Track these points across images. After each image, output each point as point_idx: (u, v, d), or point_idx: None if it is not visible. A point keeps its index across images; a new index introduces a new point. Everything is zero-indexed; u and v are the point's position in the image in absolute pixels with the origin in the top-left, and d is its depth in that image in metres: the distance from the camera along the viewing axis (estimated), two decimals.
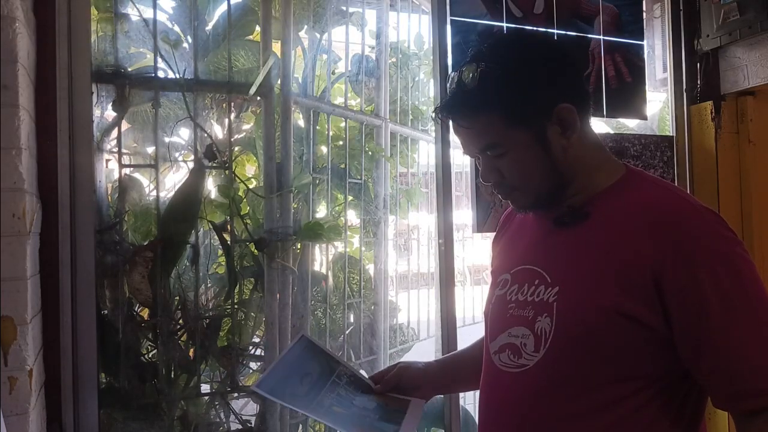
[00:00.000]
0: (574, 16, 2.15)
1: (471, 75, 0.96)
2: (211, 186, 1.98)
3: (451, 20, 1.93)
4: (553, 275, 0.99)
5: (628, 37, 2.25)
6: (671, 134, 2.40)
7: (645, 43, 2.32)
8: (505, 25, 2.01)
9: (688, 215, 0.92)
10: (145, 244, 1.79)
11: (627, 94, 2.24)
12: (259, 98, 2.02)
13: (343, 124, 2.46)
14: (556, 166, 0.99)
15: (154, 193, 1.84)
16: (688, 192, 2.08)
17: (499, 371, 1.01)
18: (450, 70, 1.91)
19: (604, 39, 2.19)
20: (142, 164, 2.01)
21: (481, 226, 1.98)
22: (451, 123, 1.03)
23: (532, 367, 0.96)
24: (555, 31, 2.10)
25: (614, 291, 0.91)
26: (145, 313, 1.86)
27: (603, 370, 0.92)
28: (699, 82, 2.33)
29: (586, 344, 0.92)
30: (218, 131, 2.07)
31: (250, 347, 2.16)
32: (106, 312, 1.73)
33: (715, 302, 0.87)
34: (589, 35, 2.18)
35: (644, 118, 2.34)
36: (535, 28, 2.06)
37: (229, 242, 1.97)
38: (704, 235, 0.90)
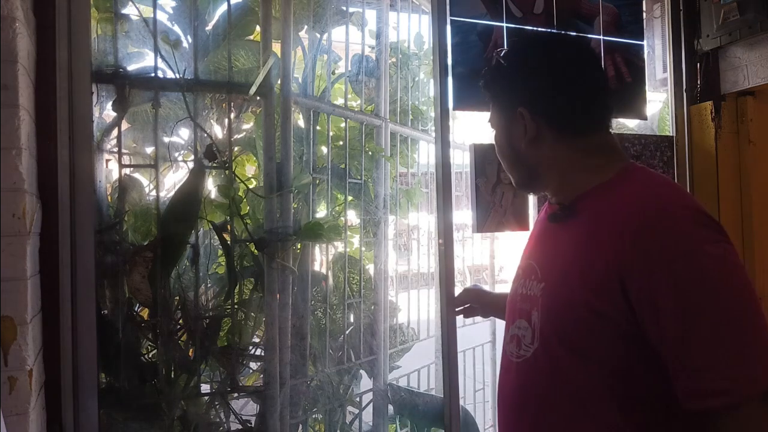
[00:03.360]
0: (574, 16, 2.15)
1: (494, 59, 1.16)
2: (211, 186, 1.98)
3: (451, 20, 1.93)
4: (542, 271, 1.08)
5: (628, 37, 2.25)
6: (671, 134, 2.40)
7: (645, 43, 2.32)
8: (505, 25, 2.01)
9: (655, 215, 0.91)
10: (145, 244, 1.79)
11: (627, 94, 2.24)
12: (259, 98, 2.02)
13: (343, 124, 2.46)
14: (520, 159, 1.14)
15: (154, 193, 1.84)
16: (688, 192, 2.08)
17: (508, 360, 1.12)
18: (450, 69, 1.92)
19: (604, 39, 2.20)
20: (142, 164, 2.00)
21: (481, 226, 1.98)
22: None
23: (529, 358, 1.05)
24: (555, 31, 2.10)
25: (582, 288, 0.96)
26: (145, 313, 1.86)
27: (575, 361, 0.97)
28: (699, 82, 2.33)
29: (563, 337, 0.99)
30: (218, 131, 2.07)
31: (250, 347, 2.15)
32: (106, 312, 1.73)
33: (669, 303, 0.86)
34: (589, 35, 2.18)
35: (644, 118, 2.34)
36: (535, 29, 2.06)
37: (229, 242, 1.97)
38: (667, 235, 0.88)
